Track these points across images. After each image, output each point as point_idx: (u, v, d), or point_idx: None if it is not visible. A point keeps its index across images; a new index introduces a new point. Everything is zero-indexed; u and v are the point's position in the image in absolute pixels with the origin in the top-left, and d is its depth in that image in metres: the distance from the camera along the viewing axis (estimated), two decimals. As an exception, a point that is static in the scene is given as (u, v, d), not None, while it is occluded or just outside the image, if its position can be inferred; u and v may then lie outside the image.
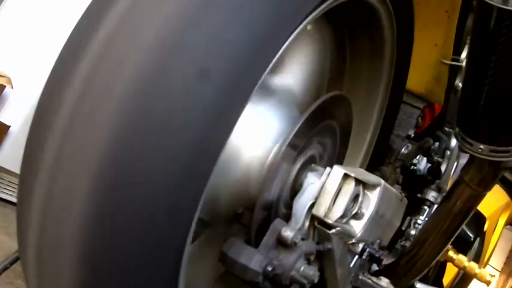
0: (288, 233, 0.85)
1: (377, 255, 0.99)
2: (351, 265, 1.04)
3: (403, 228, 1.45)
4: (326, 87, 1.25)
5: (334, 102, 0.99)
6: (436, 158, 1.50)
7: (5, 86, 2.53)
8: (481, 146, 0.96)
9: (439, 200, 1.50)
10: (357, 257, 1.04)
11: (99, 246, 0.62)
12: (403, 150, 1.48)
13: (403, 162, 1.45)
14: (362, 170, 1.00)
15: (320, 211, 0.89)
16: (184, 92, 0.61)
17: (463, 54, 1.32)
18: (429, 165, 1.50)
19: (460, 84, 1.36)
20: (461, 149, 1.04)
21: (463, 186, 1.07)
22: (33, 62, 2.59)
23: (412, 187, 1.52)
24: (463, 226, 1.14)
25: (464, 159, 1.15)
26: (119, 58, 0.61)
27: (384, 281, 1.08)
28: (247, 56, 0.66)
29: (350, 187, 0.90)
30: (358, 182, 0.92)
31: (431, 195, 1.51)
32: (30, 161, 0.66)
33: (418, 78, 1.39)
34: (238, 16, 0.64)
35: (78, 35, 0.67)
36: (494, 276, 1.48)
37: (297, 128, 0.88)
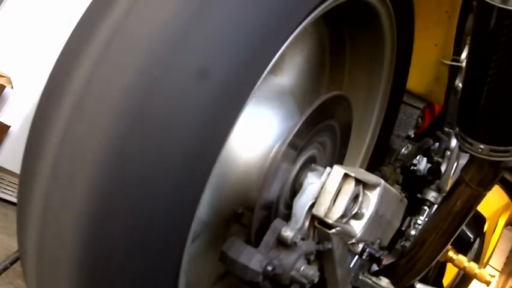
0: (288, 233, 0.85)
1: (377, 255, 0.99)
2: (351, 265, 1.04)
3: (403, 229, 1.45)
4: (326, 87, 1.25)
5: (334, 102, 0.99)
6: (436, 158, 1.50)
7: (5, 86, 2.53)
8: (481, 146, 0.96)
9: (439, 200, 1.50)
10: (357, 257, 1.04)
11: (98, 246, 0.62)
12: (403, 150, 1.47)
13: (403, 162, 1.45)
14: (362, 170, 1.00)
15: (320, 211, 0.89)
16: (183, 92, 0.61)
17: (463, 54, 1.32)
18: (429, 165, 1.50)
19: (460, 84, 1.36)
20: (461, 149, 1.04)
21: (463, 186, 1.07)
22: (33, 62, 2.58)
23: (412, 187, 1.52)
24: (463, 226, 1.14)
25: (464, 159, 1.15)
26: (118, 59, 0.61)
27: (384, 281, 1.08)
28: (247, 56, 0.66)
29: (350, 187, 0.90)
30: (358, 182, 0.92)
31: (431, 195, 1.51)
32: (30, 161, 0.66)
33: (418, 78, 1.38)
34: (237, 16, 0.64)
35: (79, 35, 0.67)
36: (494, 276, 1.48)
37: (297, 128, 0.88)
